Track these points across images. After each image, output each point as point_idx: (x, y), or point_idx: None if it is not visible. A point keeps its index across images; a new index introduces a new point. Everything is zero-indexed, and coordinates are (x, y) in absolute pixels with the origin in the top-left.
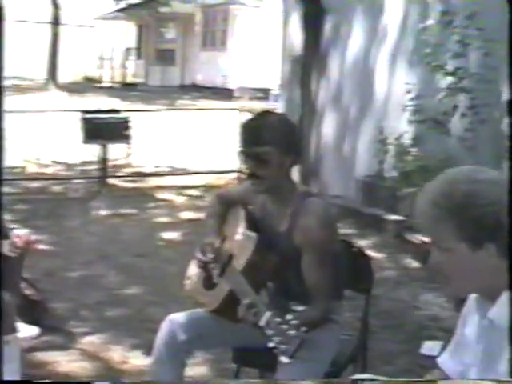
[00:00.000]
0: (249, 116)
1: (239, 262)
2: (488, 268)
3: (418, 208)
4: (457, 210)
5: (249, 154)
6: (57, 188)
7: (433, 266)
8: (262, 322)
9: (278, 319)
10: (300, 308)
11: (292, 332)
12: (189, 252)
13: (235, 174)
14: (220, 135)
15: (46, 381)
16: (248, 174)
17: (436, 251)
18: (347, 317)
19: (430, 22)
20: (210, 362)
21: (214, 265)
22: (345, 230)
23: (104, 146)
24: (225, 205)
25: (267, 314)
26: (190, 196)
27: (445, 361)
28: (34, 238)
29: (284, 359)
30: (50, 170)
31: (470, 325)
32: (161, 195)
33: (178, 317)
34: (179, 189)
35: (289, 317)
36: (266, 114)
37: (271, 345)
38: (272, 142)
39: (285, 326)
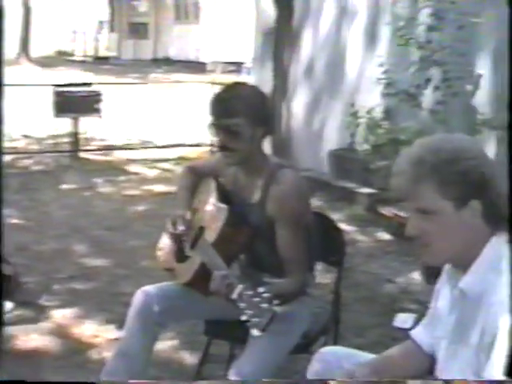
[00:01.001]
0: (219, 88)
1: (210, 234)
2: (470, 229)
3: (398, 169)
4: (443, 164)
5: (220, 126)
6: (28, 162)
7: (411, 233)
8: (234, 295)
9: (250, 292)
10: (273, 280)
11: (264, 305)
12: (160, 225)
13: (207, 148)
14: (192, 109)
15: (45, 381)
16: (219, 146)
17: (415, 216)
18: (319, 289)
19: None
20: (181, 334)
21: (185, 237)
22: (317, 202)
23: (75, 120)
24: (195, 177)
25: (239, 287)
26: (162, 169)
27: (417, 333)
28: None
29: (255, 332)
30: (21, 144)
31: (442, 298)
32: (132, 169)
33: (151, 289)
34: (151, 162)
35: (261, 289)
36: (236, 85)
37: (243, 318)
38: (243, 113)
39: (257, 299)
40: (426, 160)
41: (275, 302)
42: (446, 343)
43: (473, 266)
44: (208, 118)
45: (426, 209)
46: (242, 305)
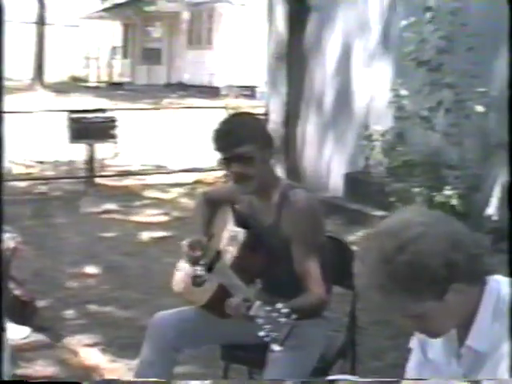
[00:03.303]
0: (218, 122)
1: (228, 258)
2: (461, 301)
3: (367, 295)
4: (407, 283)
5: (232, 157)
6: (43, 188)
7: (417, 331)
8: (252, 312)
9: (269, 308)
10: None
11: (282, 319)
12: (176, 250)
13: (222, 172)
14: (207, 133)
15: (44, 381)
16: (235, 177)
17: (405, 321)
18: (335, 313)
19: (413, 18)
20: (199, 359)
21: (202, 261)
22: (332, 226)
23: (91, 146)
24: (212, 205)
25: (257, 303)
26: (177, 194)
27: None
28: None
29: (275, 347)
30: (36, 170)
31: (432, 349)
32: (148, 194)
33: (166, 314)
34: (166, 187)
35: (279, 305)
36: (234, 116)
37: (261, 333)
38: (251, 139)
39: (275, 314)
40: (387, 287)
41: (293, 316)
42: None
43: (475, 323)
44: (216, 154)
45: (413, 315)
46: (260, 320)
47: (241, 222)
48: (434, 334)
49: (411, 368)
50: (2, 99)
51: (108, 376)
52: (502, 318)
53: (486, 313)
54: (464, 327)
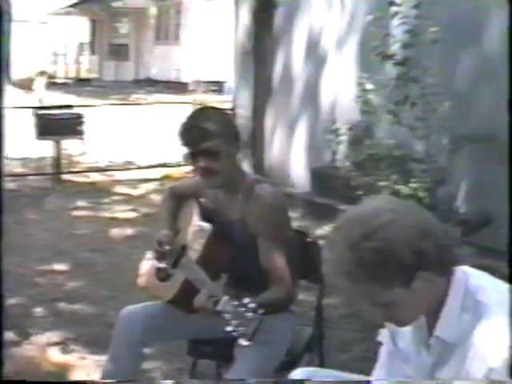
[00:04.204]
0: (184, 117)
1: (194, 253)
2: (428, 289)
3: (336, 282)
4: (374, 270)
5: (199, 151)
6: (11, 185)
7: (379, 322)
8: (219, 307)
9: (236, 302)
10: (257, 294)
11: (249, 314)
12: (144, 246)
13: (190, 167)
14: (174, 129)
15: (43, 381)
16: (202, 171)
17: (373, 309)
18: (303, 307)
19: (377, 13)
20: (167, 354)
21: (168, 256)
22: (299, 220)
23: (57, 142)
24: (177, 199)
25: (224, 298)
26: (146, 190)
27: (382, 376)
28: None
29: (242, 342)
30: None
31: (402, 339)
32: (116, 190)
33: (133, 309)
34: (134, 183)
35: (246, 300)
36: (199, 111)
37: (229, 328)
38: (218, 134)
39: (242, 309)
40: (354, 274)
41: (260, 311)
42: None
43: (443, 313)
44: (182, 149)
45: (380, 303)
46: (228, 316)
47: (206, 216)
48: (401, 323)
49: (382, 358)
50: (2, 98)
51: (77, 373)
52: (471, 309)
53: (453, 303)
54: (433, 317)
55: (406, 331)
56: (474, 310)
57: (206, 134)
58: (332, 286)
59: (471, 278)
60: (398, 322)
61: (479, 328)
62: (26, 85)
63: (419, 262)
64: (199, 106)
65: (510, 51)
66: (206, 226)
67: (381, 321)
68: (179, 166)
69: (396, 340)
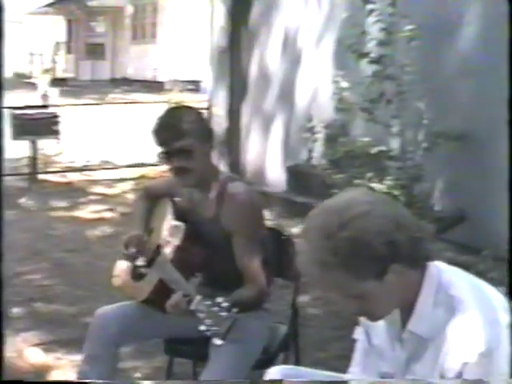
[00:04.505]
0: (158, 116)
1: (168, 252)
2: (401, 283)
3: (308, 272)
4: (348, 259)
5: (173, 150)
6: None
7: (354, 314)
8: (193, 306)
9: (209, 302)
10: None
11: (223, 313)
12: (120, 246)
13: (166, 166)
14: (150, 128)
15: (43, 381)
16: (175, 169)
17: (346, 301)
18: (278, 305)
19: (353, 10)
20: (144, 354)
21: (141, 256)
22: (275, 218)
23: (33, 142)
24: (151, 198)
25: (198, 298)
26: (123, 190)
27: (358, 373)
28: None
29: (216, 341)
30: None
31: (376, 336)
32: (93, 190)
33: (109, 309)
34: (111, 182)
35: (219, 299)
36: (172, 110)
37: (203, 328)
38: (191, 132)
39: (216, 308)
40: (329, 262)
41: (234, 310)
42: (399, 376)
43: (416, 308)
44: (156, 148)
45: (353, 294)
46: (202, 315)
47: (181, 215)
48: (374, 317)
49: (357, 355)
50: (1, 97)
51: (53, 374)
52: (443, 304)
53: (426, 298)
54: (406, 312)
55: (380, 327)
56: (447, 305)
57: (180, 133)
58: (306, 277)
59: (444, 273)
60: (371, 315)
61: (452, 323)
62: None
63: (392, 254)
64: (173, 105)
65: (510, 51)
66: (179, 224)
67: (354, 314)
68: (155, 165)
69: (370, 336)
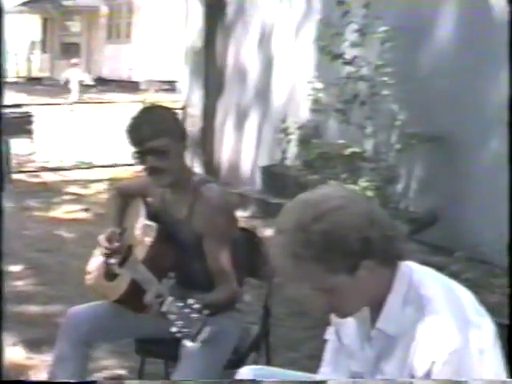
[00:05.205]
0: (131, 116)
1: (140, 252)
2: (372, 279)
3: (279, 265)
4: (321, 252)
5: (147, 150)
6: None
7: (318, 311)
8: (164, 308)
9: (180, 304)
10: (203, 295)
11: (194, 315)
12: (94, 246)
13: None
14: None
15: (43, 381)
16: (149, 170)
17: (314, 294)
18: (249, 305)
19: (327, 12)
20: (116, 353)
21: (114, 256)
22: (249, 219)
23: (6, 141)
24: (124, 198)
25: (169, 299)
26: (96, 190)
27: (329, 373)
28: None
29: (187, 343)
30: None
31: (346, 336)
32: (67, 189)
33: (80, 309)
34: (85, 183)
35: (191, 301)
36: (147, 109)
37: (174, 329)
38: (166, 132)
39: (187, 310)
40: (301, 255)
41: (205, 312)
42: (368, 375)
43: (386, 306)
44: (130, 147)
45: (324, 288)
46: (173, 316)
47: (153, 215)
48: (343, 313)
49: (327, 355)
50: (1, 97)
51: (24, 374)
52: (413, 303)
53: (396, 296)
54: (376, 310)
55: (350, 326)
56: (417, 304)
57: (153, 133)
58: (278, 269)
59: (415, 272)
60: (340, 311)
61: (422, 321)
62: None
63: (365, 250)
64: (147, 105)
65: (510, 51)
66: (152, 224)
67: (323, 310)
68: (130, 165)
69: (340, 335)
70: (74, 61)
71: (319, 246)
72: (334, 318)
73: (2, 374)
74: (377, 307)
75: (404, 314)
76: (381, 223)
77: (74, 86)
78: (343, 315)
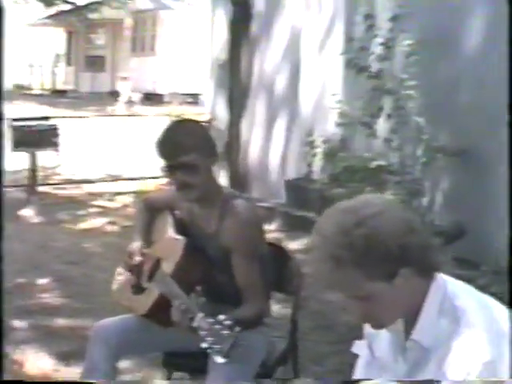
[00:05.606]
0: (163, 129)
1: (168, 266)
2: (408, 289)
3: (317, 270)
4: (361, 257)
5: (176, 165)
6: None
7: (361, 321)
8: (195, 323)
9: (211, 320)
10: (231, 309)
11: (225, 332)
12: (120, 259)
13: (166, 179)
14: (150, 141)
15: (44, 381)
16: (178, 184)
17: (352, 302)
18: (276, 319)
19: (354, 25)
20: (142, 366)
21: (141, 269)
22: (275, 232)
23: (33, 154)
24: (152, 211)
25: (199, 315)
26: (122, 202)
27: None
28: None
29: (218, 359)
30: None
31: (378, 348)
32: (92, 202)
33: (108, 322)
34: (111, 195)
35: (221, 317)
36: (178, 123)
37: (204, 345)
38: (195, 147)
39: (218, 326)
40: (342, 258)
41: (236, 328)
42: None
43: (421, 317)
44: (159, 161)
45: (360, 296)
46: (203, 333)
47: (181, 229)
48: (378, 323)
49: (358, 370)
50: (2, 105)
51: None
52: (448, 314)
53: (431, 308)
54: (410, 322)
55: (383, 339)
56: (452, 315)
57: (184, 148)
58: (314, 275)
59: (449, 284)
60: (376, 321)
61: (457, 333)
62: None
63: (403, 257)
64: (177, 119)
65: (510, 52)
66: (180, 238)
67: (359, 319)
68: (155, 178)
69: (373, 348)
70: (123, 75)
71: (359, 250)
72: (367, 330)
73: (2, 374)
74: (411, 319)
75: (439, 325)
76: (419, 231)
77: (122, 99)
78: (379, 325)
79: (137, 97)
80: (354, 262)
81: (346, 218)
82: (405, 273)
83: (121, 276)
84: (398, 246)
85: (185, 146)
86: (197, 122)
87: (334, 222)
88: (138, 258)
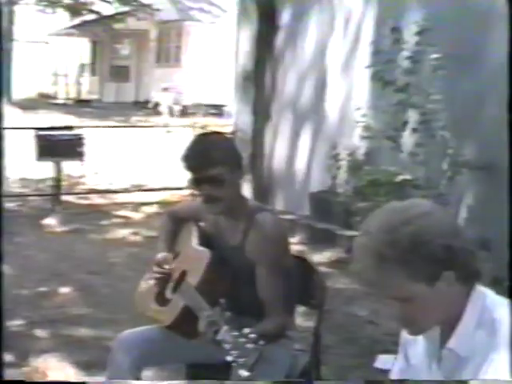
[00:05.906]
0: (190, 142)
1: (193, 278)
2: (449, 296)
3: (361, 266)
4: (406, 255)
5: (203, 178)
6: (10, 205)
7: (401, 323)
8: (220, 336)
9: (236, 333)
10: (255, 322)
11: (250, 345)
12: (143, 269)
13: (189, 191)
14: (174, 152)
15: (44, 381)
16: (204, 197)
17: (393, 304)
18: (300, 332)
19: (380, 38)
20: (164, 378)
21: (166, 280)
22: (298, 245)
23: (58, 163)
24: (176, 222)
25: (224, 328)
26: (146, 213)
27: None
28: None
29: (243, 372)
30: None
31: (414, 356)
32: (116, 212)
33: (131, 333)
34: (134, 206)
35: (246, 330)
36: (205, 136)
37: (229, 358)
38: (222, 161)
39: (243, 340)
40: (386, 256)
41: (261, 342)
42: None
43: (459, 326)
44: (185, 173)
45: (401, 297)
46: (228, 346)
47: (206, 241)
48: (417, 328)
49: (393, 375)
50: (2, 115)
51: None
52: (486, 326)
53: (470, 318)
54: (447, 330)
55: (419, 345)
56: (490, 327)
57: (211, 161)
58: (357, 272)
59: (488, 296)
60: (415, 326)
61: (494, 345)
62: (26, 105)
63: (447, 259)
64: (204, 131)
65: (510, 53)
66: (205, 250)
67: (397, 322)
68: (180, 189)
69: (409, 356)
70: (164, 85)
71: (404, 248)
72: (404, 336)
73: (3, 374)
74: (449, 327)
75: (476, 336)
76: (463, 235)
77: (163, 109)
78: (417, 331)
79: (177, 109)
80: (397, 261)
81: (394, 217)
82: (448, 276)
83: (144, 286)
84: (443, 247)
85: (212, 159)
86: (224, 135)
87: (380, 220)
88: (167, 267)
